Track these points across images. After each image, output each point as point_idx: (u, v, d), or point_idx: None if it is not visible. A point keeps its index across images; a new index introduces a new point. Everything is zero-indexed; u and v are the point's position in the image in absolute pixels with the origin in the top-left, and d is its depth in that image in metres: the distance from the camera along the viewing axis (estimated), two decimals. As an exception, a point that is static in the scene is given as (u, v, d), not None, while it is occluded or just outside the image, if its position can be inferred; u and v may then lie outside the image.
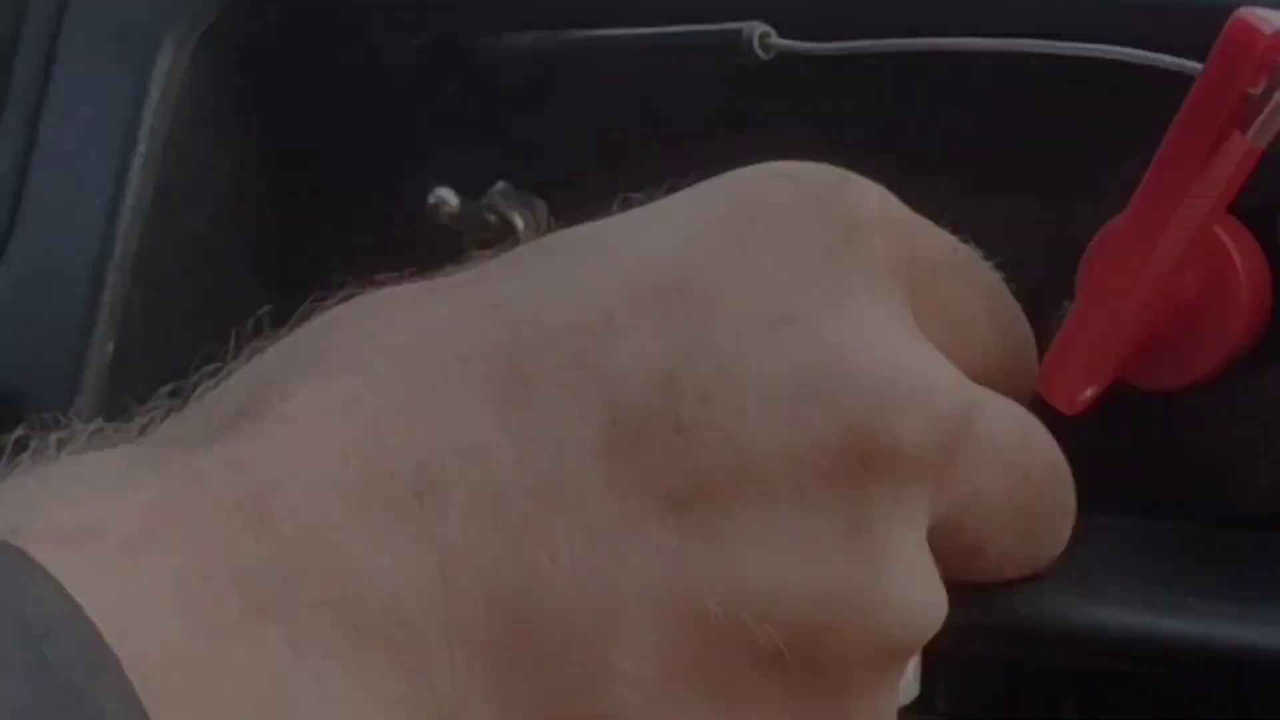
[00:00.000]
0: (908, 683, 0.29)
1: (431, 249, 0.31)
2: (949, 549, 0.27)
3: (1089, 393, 0.30)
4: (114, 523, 0.21)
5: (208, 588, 0.21)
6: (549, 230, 0.33)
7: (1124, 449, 0.34)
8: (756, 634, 0.24)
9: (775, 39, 0.35)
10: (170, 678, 0.20)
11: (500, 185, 0.40)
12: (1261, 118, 0.27)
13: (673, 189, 0.27)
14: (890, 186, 0.27)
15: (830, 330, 0.25)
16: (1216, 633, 0.29)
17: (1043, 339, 0.31)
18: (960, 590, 0.27)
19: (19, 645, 0.18)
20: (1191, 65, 0.29)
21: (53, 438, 0.24)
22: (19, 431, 0.25)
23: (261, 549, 0.21)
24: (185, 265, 0.42)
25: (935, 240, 0.28)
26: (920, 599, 0.26)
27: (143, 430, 0.25)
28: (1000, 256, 0.30)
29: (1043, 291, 0.32)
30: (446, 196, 0.39)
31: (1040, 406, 0.30)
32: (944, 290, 0.28)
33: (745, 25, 0.35)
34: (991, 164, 0.36)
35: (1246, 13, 0.27)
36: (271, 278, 0.43)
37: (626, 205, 0.27)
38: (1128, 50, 0.31)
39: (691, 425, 0.24)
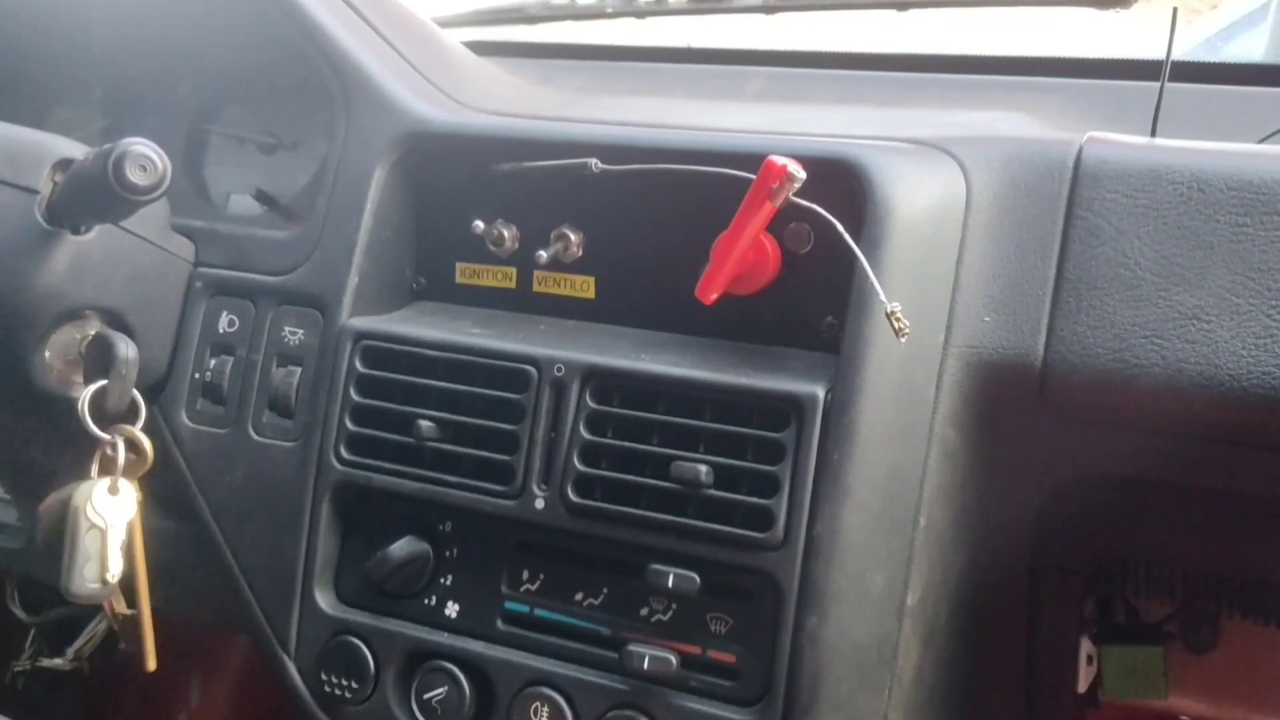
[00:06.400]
0: None
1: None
2: None
3: (714, 296, 0.79)
4: None
5: None
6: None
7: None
8: None
9: (599, 165, 0.83)
10: None
11: None
12: (778, 200, 0.76)
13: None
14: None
15: None
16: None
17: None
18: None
19: None
20: (751, 176, 0.78)
21: None
22: None
23: None
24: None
25: None
26: None
27: None
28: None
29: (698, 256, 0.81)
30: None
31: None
32: None
33: (589, 160, 0.84)
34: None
35: (772, 157, 0.76)
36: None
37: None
38: (733, 171, 0.81)
39: None
